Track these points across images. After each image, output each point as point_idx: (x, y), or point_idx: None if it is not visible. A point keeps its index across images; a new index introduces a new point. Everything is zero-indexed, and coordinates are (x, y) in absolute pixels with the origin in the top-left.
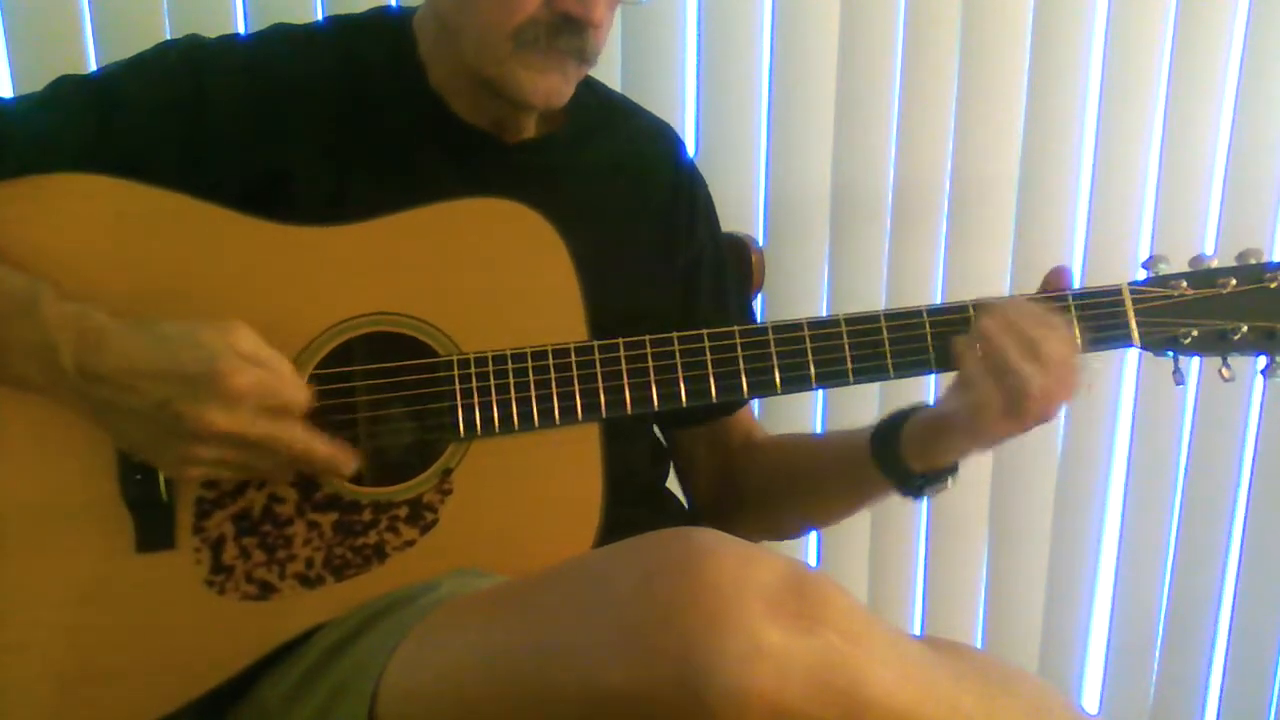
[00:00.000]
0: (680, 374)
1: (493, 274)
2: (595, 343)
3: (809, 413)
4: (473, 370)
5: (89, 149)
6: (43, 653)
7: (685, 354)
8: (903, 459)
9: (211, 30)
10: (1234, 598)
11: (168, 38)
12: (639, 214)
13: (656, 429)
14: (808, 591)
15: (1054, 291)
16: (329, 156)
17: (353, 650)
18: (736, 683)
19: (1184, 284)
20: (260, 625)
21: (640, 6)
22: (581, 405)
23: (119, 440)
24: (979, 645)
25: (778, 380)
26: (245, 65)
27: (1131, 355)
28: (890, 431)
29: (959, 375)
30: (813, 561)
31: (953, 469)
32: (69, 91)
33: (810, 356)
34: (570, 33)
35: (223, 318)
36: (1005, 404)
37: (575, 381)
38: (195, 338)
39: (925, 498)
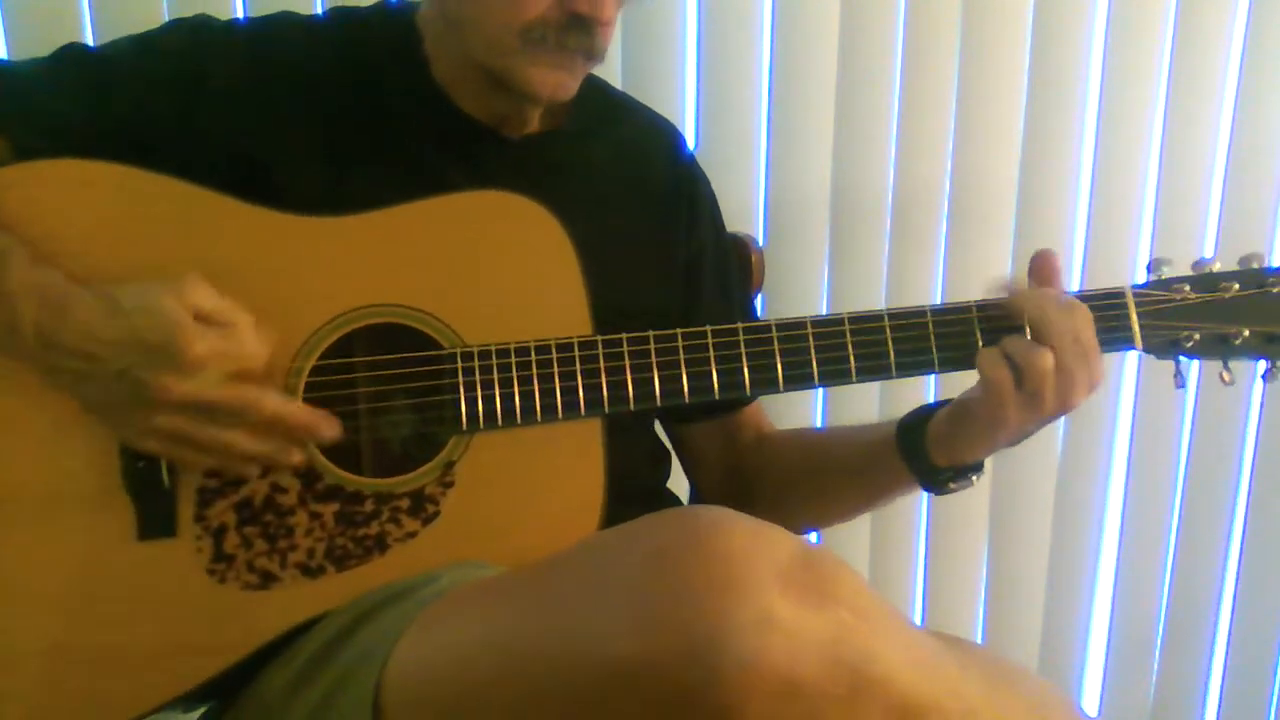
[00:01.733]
0: (684, 369)
1: (497, 267)
2: (599, 337)
3: (809, 409)
4: (476, 363)
5: (90, 122)
6: (43, 639)
7: (689, 350)
8: (928, 453)
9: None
10: (1234, 598)
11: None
12: (639, 210)
13: (660, 428)
14: (818, 567)
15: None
16: (326, 146)
17: (354, 640)
18: (748, 654)
19: (1186, 287)
20: (261, 614)
21: (643, 4)
22: (584, 400)
23: (83, 405)
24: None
25: (780, 377)
26: (248, 49)
27: (1132, 355)
28: (917, 425)
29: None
30: None
31: (977, 467)
32: (74, 61)
33: (814, 354)
34: (580, 31)
35: (180, 276)
36: (1017, 384)
37: (578, 376)
38: (152, 304)
39: (946, 494)
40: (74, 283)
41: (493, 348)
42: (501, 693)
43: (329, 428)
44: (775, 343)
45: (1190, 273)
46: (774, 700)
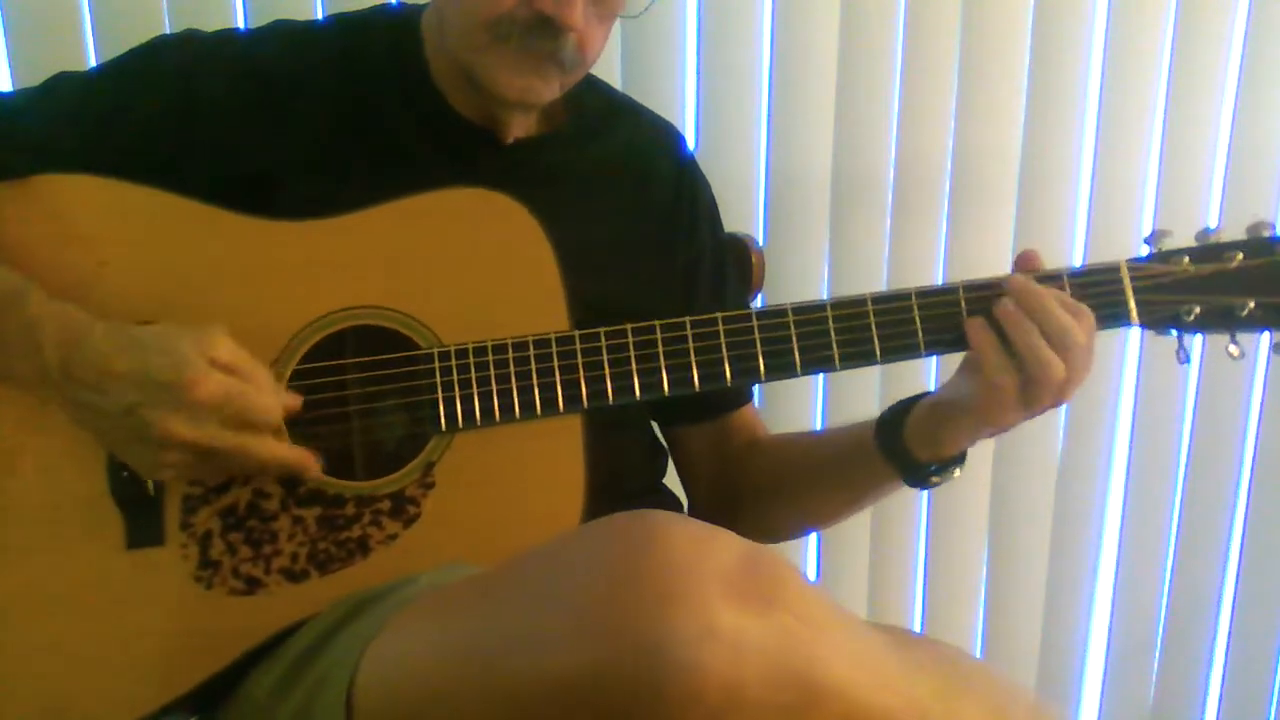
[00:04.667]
0: (662, 363)
1: (473, 265)
2: (576, 333)
3: (808, 406)
4: (453, 363)
5: (82, 148)
6: (34, 649)
7: (668, 342)
8: (908, 447)
9: (211, 27)
10: (1234, 598)
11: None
12: (639, 213)
13: (655, 426)
14: (764, 573)
15: (1050, 270)
16: (323, 154)
17: (333, 644)
18: (690, 662)
19: (1186, 260)
20: (247, 619)
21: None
22: (563, 396)
23: (99, 439)
24: (978, 645)
25: (762, 366)
26: (239, 62)
27: (1133, 353)
28: (895, 420)
29: (969, 358)
30: (812, 562)
31: (959, 459)
32: (65, 90)
33: (795, 342)
34: (546, 34)
35: (205, 321)
36: (1021, 388)
37: (556, 372)
38: (168, 343)
39: (930, 488)
40: (95, 317)
41: (470, 347)
42: (458, 701)
43: (314, 468)
44: (756, 332)
45: (1193, 243)
46: (718, 712)
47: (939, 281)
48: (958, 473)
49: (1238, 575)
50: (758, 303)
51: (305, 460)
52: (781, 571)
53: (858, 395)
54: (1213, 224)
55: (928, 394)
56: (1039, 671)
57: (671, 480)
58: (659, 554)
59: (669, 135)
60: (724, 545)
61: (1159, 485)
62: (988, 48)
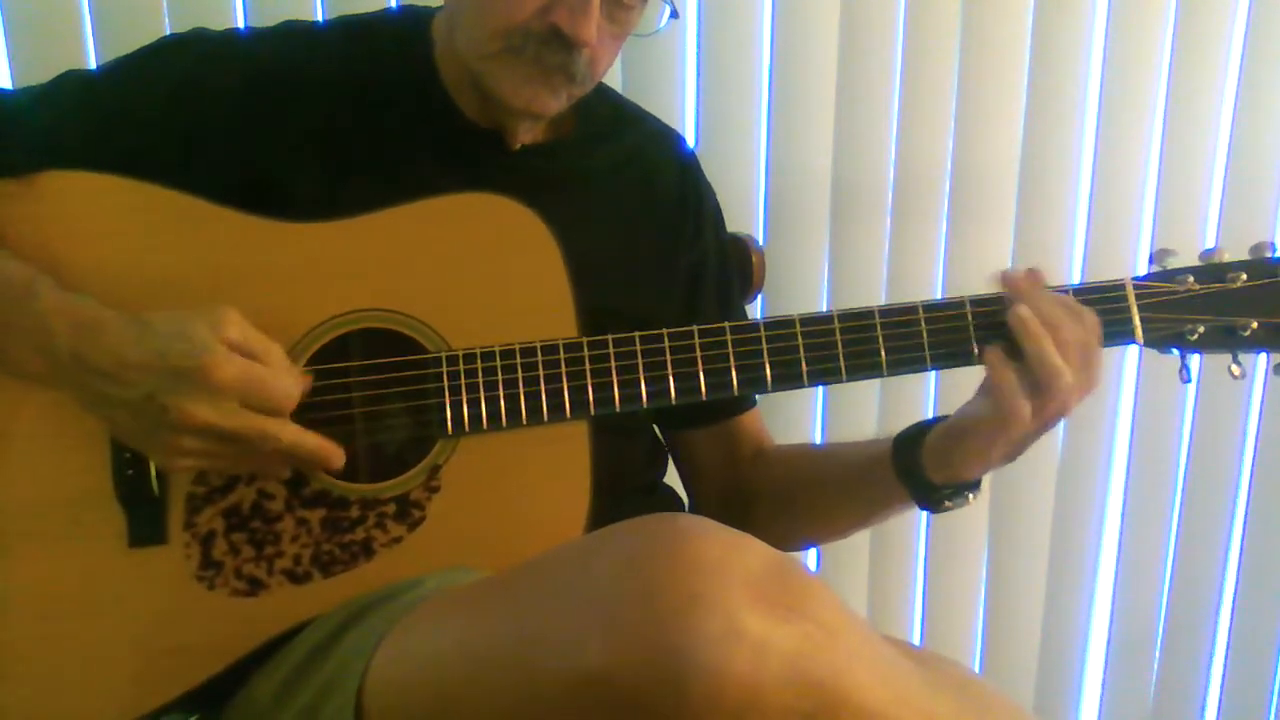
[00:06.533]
0: (670, 370)
1: (482, 270)
2: (584, 339)
3: (809, 416)
4: (461, 367)
5: (88, 147)
6: (36, 647)
7: (675, 351)
8: (924, 469)
9: (211, 27)
10: (1234, 598)
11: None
12: (643, 219)
13: (658, 431)
14: (791, 581)
15: (1053, 287)
16: (328, 155)
17: (339, 647)
18: (712, 664)
19: (1190, 279)
20: (249, 621)
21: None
22: (570, 402)
23: (112, 429)
24: (978, 647)
25: (768, 376)
26: (246, 62)
27: (1132, 355)
28: (913, 440)
29: (985, 384)
30: (813, 563)
31: (974, 484)
32: (71, 87)
33: (802, 353)
34: (559, 48)
35: (215, 304)
36: (1033, 403)
37: (564, 378)
38: (183, 329)
39: (942, 512)
40: (106, 306)
41: (477, 351)
42: (475, 701)
43: (336, 459)
44: (763, 342)
45: (1196, 263)
46: (737, 714)
47: (939, 282)
48: (972, 498)
49: (1238, 575)
50: (758, 303)
51: (327, 450)
52: (807, 580)
53: (856, 407)
54: (1213, 227)
55: (945, 417)
56: (1039, 671)
57: (670, 479)
58: (687, 557)
59: (673, 140)
60: (751, 551)
61: (1159, 485)
62: (988, 49)
